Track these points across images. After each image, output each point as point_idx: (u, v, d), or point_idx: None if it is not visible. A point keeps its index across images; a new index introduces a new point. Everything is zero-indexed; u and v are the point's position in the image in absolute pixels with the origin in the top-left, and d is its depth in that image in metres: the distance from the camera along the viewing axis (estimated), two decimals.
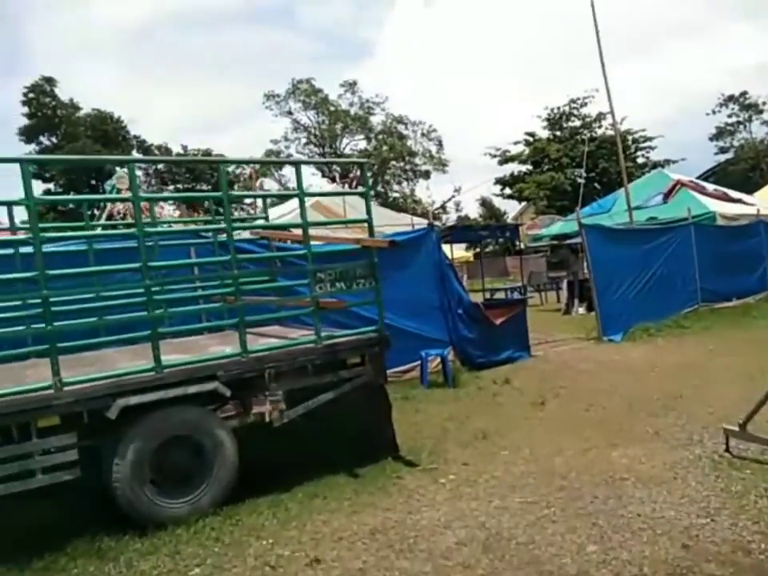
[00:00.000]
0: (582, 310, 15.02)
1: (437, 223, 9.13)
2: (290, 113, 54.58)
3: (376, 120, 55.96)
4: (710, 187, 17.92)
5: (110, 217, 34.12)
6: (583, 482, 4.41)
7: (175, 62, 73.47)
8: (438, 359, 8.14)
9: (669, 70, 71.67)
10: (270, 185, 56.82)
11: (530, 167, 50.47)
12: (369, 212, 5.17)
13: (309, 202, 15.14)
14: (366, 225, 5.28)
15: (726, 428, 4.74)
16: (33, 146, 53.65)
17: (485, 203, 59.90)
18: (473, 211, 60.24)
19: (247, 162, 50.52)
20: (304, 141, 55.67)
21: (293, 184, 56.24)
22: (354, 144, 56.45)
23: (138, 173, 59.71)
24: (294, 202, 15.77)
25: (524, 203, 51.71)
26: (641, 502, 4.02)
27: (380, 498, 4.30)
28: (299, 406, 4.63)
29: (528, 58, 77.06)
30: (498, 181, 52.70)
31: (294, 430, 5.23)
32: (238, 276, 4.60)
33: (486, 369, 8.90)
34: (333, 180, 56.60)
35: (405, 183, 57.92)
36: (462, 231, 9.72)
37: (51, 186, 53.64)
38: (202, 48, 72.01)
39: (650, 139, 46.62)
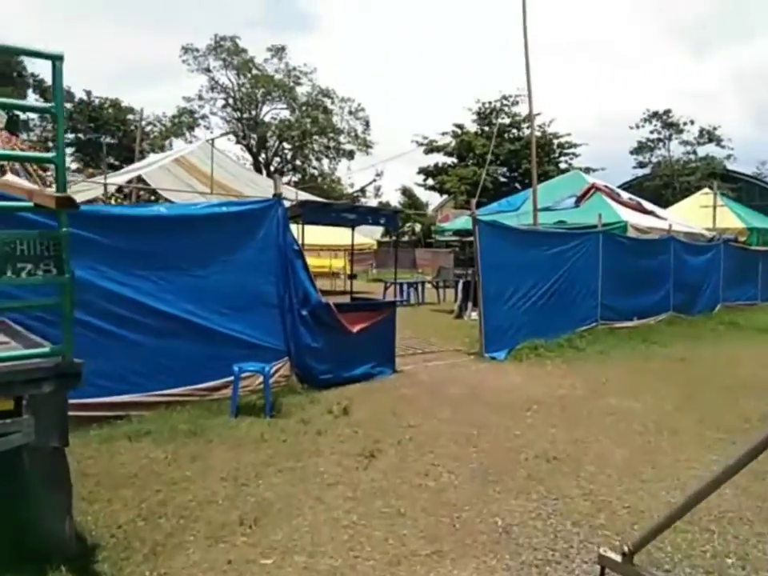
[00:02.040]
0: (474, 315, 13.41)
1: (287, 195, 7.06)
2: (208, 70, 50.69)
3: (302, 90, 53.08)
4: (625, 195, 16.88)
5: None
6: None
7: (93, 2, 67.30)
8: (260, 377, 6.13)
9: (600, 85, 72.93)
10: (179, 146, 52.78)
11: (455, 160, 49.51)
12: (60, 146, 2.99)
13: (172, 156, 12.83)
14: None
15: (604, 555, 3.02)
16: None
17: (406, 192, 58.54)
18: (393, 199, 58.76)
19: None
20: (221, 103, 51.93)
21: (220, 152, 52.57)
22: (275, 112, 53.36)
23: (33, 115, 54.14)
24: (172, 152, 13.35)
25: (445, 196, 50.73)
26: None
27: None
28: None
29: (466, 51, 76.25)
30: (422, 170, 51.46)
31: None
32: None
33: (331, 387, 7.02)
34: (248, 148, 53.55)
35: (326, 161, 55.46)
36: (318, 210, 7.64)
37: None
38: None
39: (575, 146, 46.57)
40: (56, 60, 2.78)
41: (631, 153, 51.44)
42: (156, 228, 5.88)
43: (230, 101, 51.59)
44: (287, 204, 7.01)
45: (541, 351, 9.71)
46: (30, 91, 53.34)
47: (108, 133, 53.68)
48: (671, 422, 6.05)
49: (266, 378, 5.87)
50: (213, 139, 11.61)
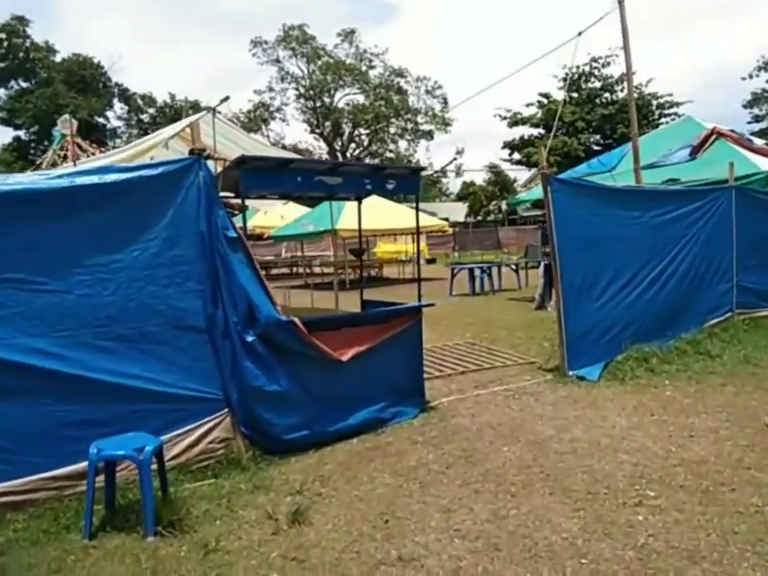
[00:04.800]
0: None
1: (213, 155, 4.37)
2: (277, 60, 49.27)
3: (375, 73, 50.65)
4: (759, 141, 12.92)
5: (53, 165, 29.14)
6: None
7: (182, 14, 68.52)
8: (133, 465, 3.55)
9: (705, 41, 65.11)
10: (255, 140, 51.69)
11: (541, 131, 45.50)
12: None
13: (175, 129, 10.69)
14: None
15: None
16: (2, 91, 49.47)
17: (492, 169, 54.85)
18: (479, 177, 55.30)
19: None
20: (293, 93, 50.40)
21: (286, 141, 51.35)
22: (349, 98, 51.23)
23: (119, 123, 55.47)
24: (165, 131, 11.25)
25: (533, 170, 46.77)
26: None
27: None
28: None
29: (549, 15, 70.75)
30: (507, 145, 47.82)
31: None
32: None
33: (309, 450, 4.41)
34: (323, 137, 51.82)
35: (402, 143, 52.73)
36: (270, 173, 4.76)
37: (21, 133, 49.79)
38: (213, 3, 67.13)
39: (678, 104, 41.13)
40: None
41: (744, 106, 45.06)
42: None
43: (301, 90, 49.97)
44: (215, 167, 4.41)
45: (654, 364, 6.58)
46: (115, 100, 54.64)
47: None
48: None
49: (143, 466, 3.28)
50: (214, 108, 9.14)
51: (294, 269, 25.89)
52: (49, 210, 3.66)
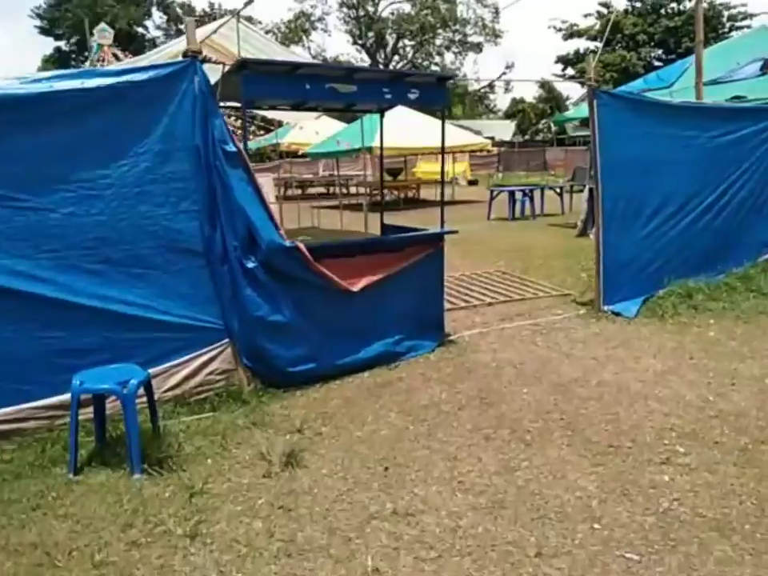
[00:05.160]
0: None
1: (209, 57, 3.90)
2: None
3: None
4: None
5: None
6: None
7: None
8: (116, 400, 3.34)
9: None
10: (293, 53, 49.79)
11: (598, 44, 42.38)
12: None
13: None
14: None
15: None
16: None
17: (544, 85, 51.88)
18: (528, 94, 52.56)
19: None
20: (336, 1, 47.93)
21: (328, 53, 49.46)
22: (394, 6, 48.47)
23: (158, 33, 54.21)
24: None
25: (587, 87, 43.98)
26: None
27: None
28: None
29: None
30: (560, 59, 44.96)
31: None
32: None
33: (316, 384, 4.20)
34: (365, 48, 49.65)
35: (448, 56, 50.06)
36: (273, 78, 4.27)
37: (62, 44, 49.29)
38: None
39: (752, 16, 37.52)
40: None
41: None
42: None
43: None
44: (212, 72, 3.96)
45: (698, 300, 6.06)
46: (154, 9, 53.32)
47: None
48: None
49: (128, 406, 3.08)
50: (238, 12, 8.48)
51: (331, 188, 25.33)
52: (26, 118, 3.33)
